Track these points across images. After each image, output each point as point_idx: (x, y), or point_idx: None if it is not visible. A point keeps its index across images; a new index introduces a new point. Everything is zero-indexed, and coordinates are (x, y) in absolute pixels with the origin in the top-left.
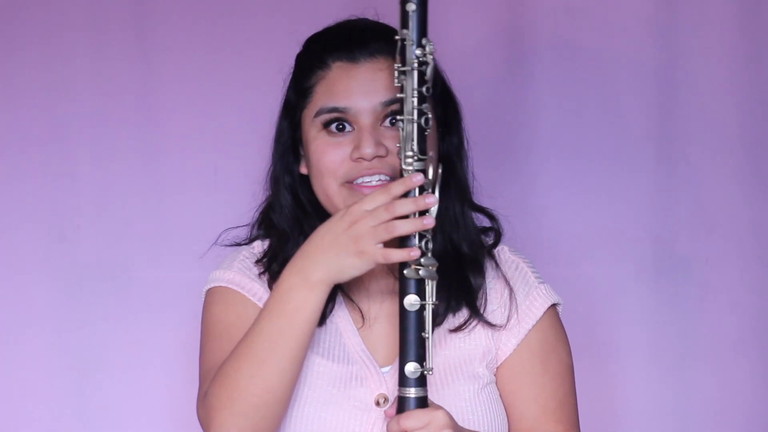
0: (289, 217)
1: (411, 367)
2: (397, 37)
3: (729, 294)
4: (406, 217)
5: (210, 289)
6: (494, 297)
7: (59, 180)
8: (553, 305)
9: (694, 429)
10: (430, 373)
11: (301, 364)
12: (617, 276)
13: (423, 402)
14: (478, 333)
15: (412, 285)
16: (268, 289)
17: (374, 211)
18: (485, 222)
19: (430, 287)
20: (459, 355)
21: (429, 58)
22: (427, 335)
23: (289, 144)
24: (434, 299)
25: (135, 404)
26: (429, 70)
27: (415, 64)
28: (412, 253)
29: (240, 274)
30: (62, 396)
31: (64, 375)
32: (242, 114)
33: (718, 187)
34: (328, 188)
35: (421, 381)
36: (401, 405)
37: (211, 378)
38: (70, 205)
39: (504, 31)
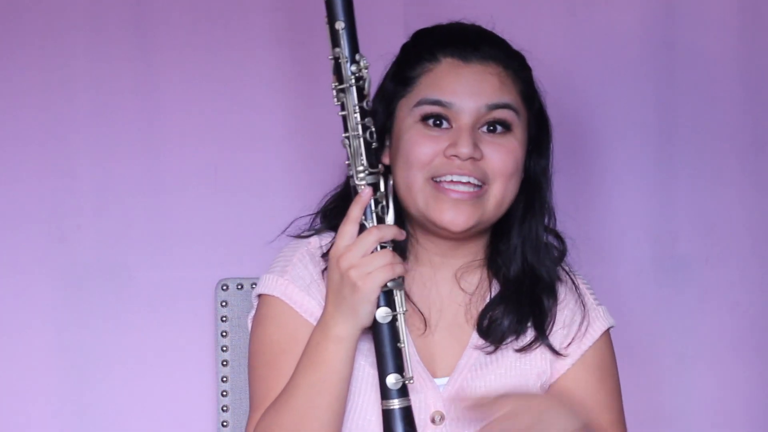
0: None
1: (392, 379)
2: (330, 57)
3: (729, 294)
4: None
5: (263, 296)
6: (560, 318)
7: (59, 180)
8: (608, 329)
9: (693, 429)
10: (411, 381)
11: (343, 413)
12: (617, 276)
13: (408, 412)
14: (535, 354)
15: (381, 297)
16: (320, 299)
17: (354, 246)
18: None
19: (399, 297)
20: (514, 375)
21: (364, 72)
22: (402, 344)
23: (380, 132)
24: (404, 307)
25: (135, 404)
26: (367, 85)
27: (353, 81)
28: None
29: (293, 283)
30: (62, 396)
31: (64, 375)
32: (242, 113)
33: (718, 188)
34: (413, 181)
35: (404, 391)
36: (387, 418)
37: (261, 411)
38: (70, 205)
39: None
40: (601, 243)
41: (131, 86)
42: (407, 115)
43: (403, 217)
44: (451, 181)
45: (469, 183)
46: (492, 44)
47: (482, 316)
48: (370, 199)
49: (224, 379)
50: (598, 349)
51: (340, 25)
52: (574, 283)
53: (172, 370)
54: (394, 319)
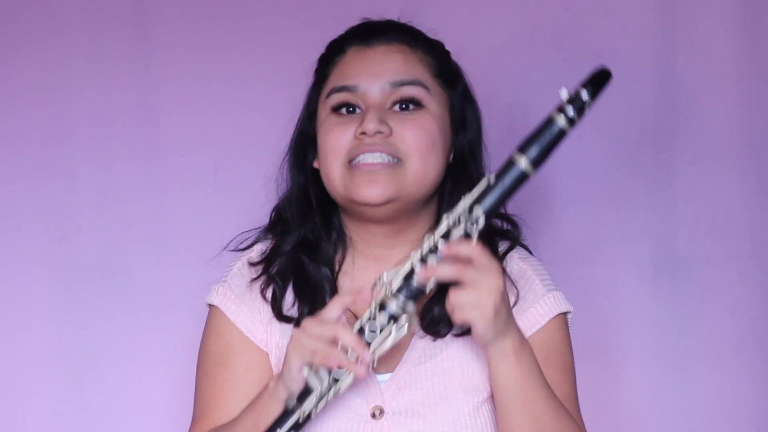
0: (294, 206)
1: None
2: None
3: (729, 294)
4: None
5: (210, 305)
6: None
7: (59, 180)
8: (562, 314)
9: (694, 429)
10: None
11: None
12: (617, 276)
13: None
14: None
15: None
16: (254, 309)
17: (319, 315)
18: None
19: (314, 401)
20: (457, 365)
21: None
22: None
23: (306, 137)
24: (312, 416)
25: (135, 404)
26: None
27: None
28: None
29: (231, 291)
30: (62, 396)
31: (64, 375)
32: (242, 114)
33: (718, 188)
34: (331, 169)
35: None
36: None
37: (200, 423)
38: (70, 205)
39: (503, 31)
40: (601, 243)
41: (131, 86)
42: (322, 110)
43: (336, 216)
44: (363, 162)
45: (381, 158)
46: (398, 29)
47: (425, 309)
48: (347, 302)
49: None
50: (543, 332)
51: (490, 178)
52: (521, 269)
53: (171, 370)
54: (293, 410)
